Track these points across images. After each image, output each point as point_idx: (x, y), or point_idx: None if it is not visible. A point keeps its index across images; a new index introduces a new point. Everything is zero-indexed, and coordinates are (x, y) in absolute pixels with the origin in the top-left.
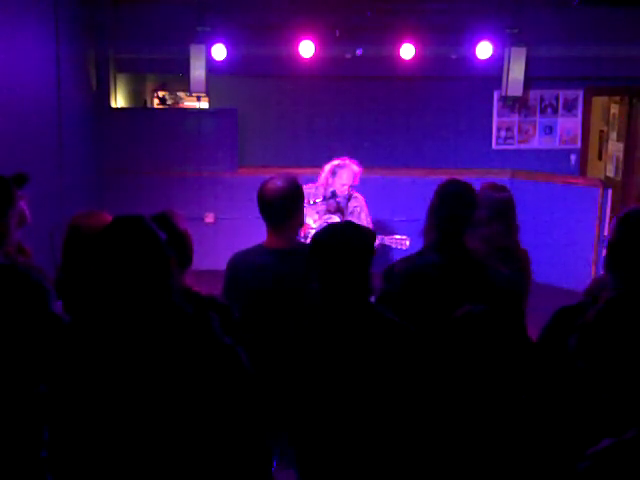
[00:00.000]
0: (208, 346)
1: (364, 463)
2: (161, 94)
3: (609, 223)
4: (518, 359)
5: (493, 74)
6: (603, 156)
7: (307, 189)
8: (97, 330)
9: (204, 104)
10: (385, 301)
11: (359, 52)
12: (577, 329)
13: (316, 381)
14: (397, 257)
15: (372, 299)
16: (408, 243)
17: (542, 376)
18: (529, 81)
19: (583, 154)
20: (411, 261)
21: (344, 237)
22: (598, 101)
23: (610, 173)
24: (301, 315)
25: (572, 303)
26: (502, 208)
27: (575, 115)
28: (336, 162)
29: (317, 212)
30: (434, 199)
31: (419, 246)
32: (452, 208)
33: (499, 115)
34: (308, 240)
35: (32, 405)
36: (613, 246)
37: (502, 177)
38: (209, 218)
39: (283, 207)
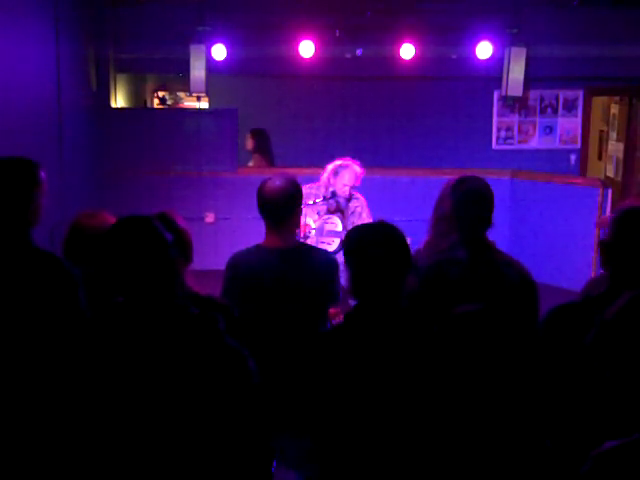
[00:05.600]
0: (213, 347)
1: (391, 467)
2: (161, 94)
3: (598, 223)
4: (519, 357)
5: (493, 74)
6: (603, 156)
7: (307, 189)
8: (104, 331)
9: (204, 104)
10: (409, 296)
11: (359, 52)
12: (595, 326)
13: (351, 387)
14: None
15: None
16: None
17: (544, 374)
18: (529, 81)
19: (583, 154)
20: (437, 257)
21: (387, 246)
22: (598, 101)
23: (610, 173)
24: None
25: (566, 302)
26: None
27: (575, 115)
28: (339, 162)
29: (317, 212)
30: (452, 197)
31: (420, 246)
32: (475, 206)
33: (499, 115)
34: (308, 241)
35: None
36: (611, 245)
37: (502, 177)
38: (209, 218)
39: (282, 206)
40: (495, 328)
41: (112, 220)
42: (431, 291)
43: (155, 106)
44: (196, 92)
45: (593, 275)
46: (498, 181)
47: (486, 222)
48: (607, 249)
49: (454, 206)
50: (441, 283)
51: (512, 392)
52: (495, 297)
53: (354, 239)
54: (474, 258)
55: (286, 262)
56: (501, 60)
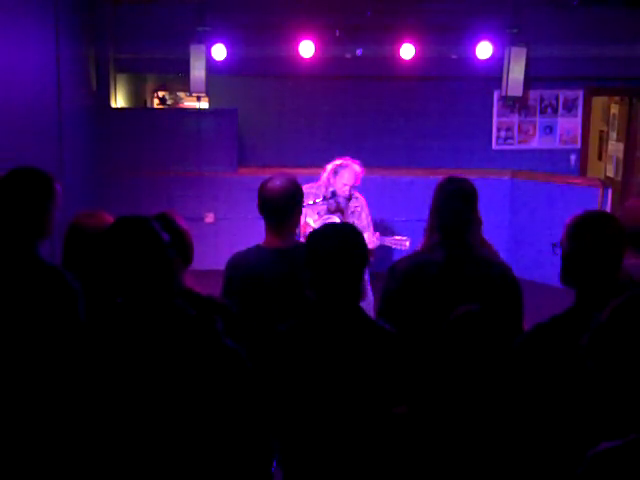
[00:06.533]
0: (211, 348)
1: (346, 464)
2: (161, 94)
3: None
4: (501, 359)
5: (493, 74)
6: (603, 156)
7: (307, 189)
8: (101, 332)
9: (204, 104)
10: (387, 299)
11: (359, 52)
12: (590, 328)
13: (303, 383)
14: (397, 258)
15: (372, 299)
16: (408, 244)
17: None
18: (529, 81)
19: (583, 154)
20: (414, 259)
21: (340, 242)
22: (598, 101)
23: (610, 173)
24: (291, 316)
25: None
26: None
27: (575, 115)
28: (338, 162)
29: (317, 212)
30: (434, 197)
31: (417, 246)
32: (453, 206)
33: (499, 115)
34: None
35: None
36: (570, 257)
37: (502, 177)
38: (209, 218)
39: (283, 206)
40: (491, 327)
41: (111, 220)
42: (407, 291)
43: (155, 106)
44: (196, 92)
45: None
46: (498, 181)
47: (467, 222)
48: (567, 260)
49: (436, 206)
50: (417, 283)
51: (487, 392)
52: (473, 297)
53: (312, 239)
54: (452, 258)
55: (286, 262)
56: (501, 60)
